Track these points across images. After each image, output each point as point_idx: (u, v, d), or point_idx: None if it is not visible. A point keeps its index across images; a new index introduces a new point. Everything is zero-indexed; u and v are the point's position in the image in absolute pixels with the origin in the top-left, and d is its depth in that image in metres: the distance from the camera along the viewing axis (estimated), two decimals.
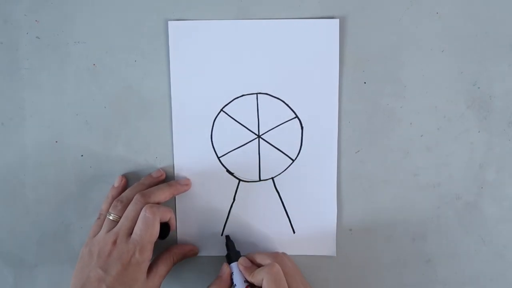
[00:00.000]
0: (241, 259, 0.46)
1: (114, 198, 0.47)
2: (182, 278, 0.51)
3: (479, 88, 0.48)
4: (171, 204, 0.49)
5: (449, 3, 0.47)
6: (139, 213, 0.43)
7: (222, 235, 0.50)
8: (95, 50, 0.48)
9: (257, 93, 0.48)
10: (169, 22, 0.47)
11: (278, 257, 0.45)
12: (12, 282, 0.51)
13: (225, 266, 0.46)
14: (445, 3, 0.47)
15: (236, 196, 0.49)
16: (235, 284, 0.45)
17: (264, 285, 0.42)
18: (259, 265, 0.45)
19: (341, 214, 0.49)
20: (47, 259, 0.51)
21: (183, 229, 0.50)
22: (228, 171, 0.49)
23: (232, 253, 0.47)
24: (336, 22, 0.47)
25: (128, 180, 0.49)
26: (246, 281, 0.45)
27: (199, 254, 0.50)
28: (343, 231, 0.50)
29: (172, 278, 0.49)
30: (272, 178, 0.49)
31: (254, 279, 0.43)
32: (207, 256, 0.50)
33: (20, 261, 0.51)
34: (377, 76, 0.48)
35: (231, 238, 0.48)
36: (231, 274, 0.46)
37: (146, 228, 0.43)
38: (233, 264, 0.46)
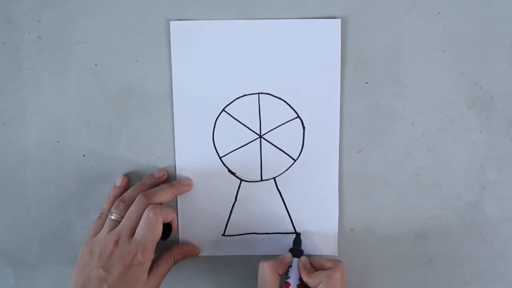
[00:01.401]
0: (302, 258, 0.46)
1: (116, 197, 0.47)
2: (182, 278, 0.51)
3: (480, 88, 0.48)
4: (172, 204, 0.49)
5: (450, 3, 0.47)
6: (142, 214, 0.43)
7: (223, 235, 0.50)
8: (96, 50, 0.48)
9: (258, 93, 0.48)
10: (170, 22, 0.47)
11: (338, 264, 0.45)
12: (13, 282, 0.51)
13: (289, 255, 0.47)
14: (447, 3, 0.47)
15: (238, 196, 0.49)
16: (289, 277, 0.45)
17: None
18: (316, 269, 0.46)
19: (342, 214, 0.49)
20: (48, 259, 0.51)
21: (184, 229, 0.50)
22: (229, 171, 0.49)
23: (297, 249, 0.48)
24: (337, 22, 0.47)
25: (130, 180, 0.49)
26: (300, 279, 0.45)
27: (200, 254, 0.50)
28: (345, 231, 0.50)
29: (172, 278, 0.48)
30: (274, 178, 0.49)
31: (311, 280, 0.44)
32: (207, 256, 0.50)
33: (21, 261, 0.51)
34: (378, 76, 0.48)
35: (300, 239, 0.49)
36: (290, 266, 0.46)
37: (149, 229, 0.43)
38: (295, 259, 0.47)
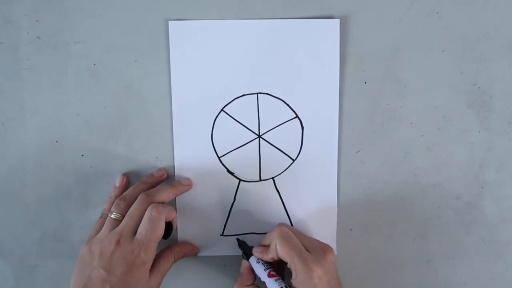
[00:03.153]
0: (254, 249, 0.46)
1: (117, 197, 0.47)
2: (182, 278, 0.51)
3: (479, 88, 0.48)
4: (171, 204, 0.49)
5: (449, 3, 0.47)
6: (144, 213, 0.43)
7: (222, 235, 0.50)
8: (95, 50, 0.48)
9: (257, 93, 0.48)
10: (169, 22, 0.47)
11: (279, 225, 0.46)
12: (12, 282, 0.51)
13: (243, 262, 0.47)
14: (446, 3, 0.47)
15: (237, 196, 0.49)
16: (259, 277, 0.45)
17: (279, 250, 0.42)
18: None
19: (341, 214, 0.49)
20: (48, 259, 0.51)
21: (183, 229, 0.50)
22: (228, 171, 0.49)
23: (247, 250, 0.47)
24: (336, 22, 0.47)
25: (129, 180, 0.49)
26: (266, 268, 0.45)
27: (199, 254, 0.50)
28: (344, 231, 0.50)
29: (172, 278, 0.49)
30: (273, 178, 0.49)
31: (271, 253, 0.44)
32: (207, 256, 0.50)
33: (20, 261, 0.51)
34: (377, 76, 0.48)
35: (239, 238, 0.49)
36: (252, 270, 0.46)
37: (152, 228, 0.42)
38: (251, 259, 0.46)
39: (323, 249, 0.43)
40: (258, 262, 0.45)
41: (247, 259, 0.46)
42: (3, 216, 0.50)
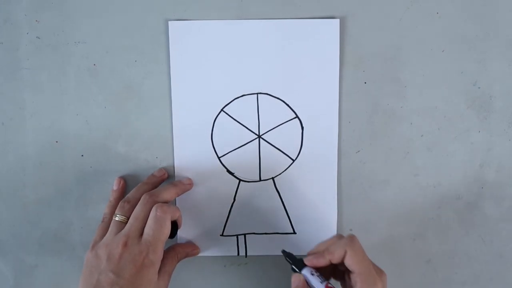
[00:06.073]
0: (306, 258, 0.42)
1: (117, 200, 0.47)
2: (182, 278, 0.51)
3: (479, 88, 0.48)
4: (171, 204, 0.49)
5: (449, 3, 0.47)
6: (149, 213, 0.43)
7: (222, 235, 0.50)
8: (95, 50, 0.48)
9: (257, 93, 0.48)
10: (169, 22, 0.47)
11: (351, 235, 0.43)
12: (12, 282, 0.51)
13: (295, 276, 0.42)
14: (445, 3, 0.47)
15: (237, 196, 0.49)
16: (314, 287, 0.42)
17: (350, 257, 0.40)
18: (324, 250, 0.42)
19: (341, 214, 0.49)
20: (48, 259, 0.51)
21: (183, 229, 0.50)
22: (228, 171, 0.49)
23: (296, 262, 0.43)
24: (336, 22, 0.47)
25: (126, 181, 0.49)
26: (323, 280, 0.42)
27: (198, 254, 0.50)
28: (344, 231, 0.50)
29: (172, 278, 0.48)
30: (273, 178, 0.49)
31: (334, 255, 0.41)
32: (207, 256, 0.50)
33: (20, 261, 0.51)
34: (377, 76, 0.48)
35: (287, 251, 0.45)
36: (306, 282, 0.42)
37: (159, 227, 0.42)
38: (304, 271, 0.42)
39: (380, 270, 0.43)
40: (312, 274, 0.42)
41: (299, 271, 0.43)
42: (3, 216, 0.50)
